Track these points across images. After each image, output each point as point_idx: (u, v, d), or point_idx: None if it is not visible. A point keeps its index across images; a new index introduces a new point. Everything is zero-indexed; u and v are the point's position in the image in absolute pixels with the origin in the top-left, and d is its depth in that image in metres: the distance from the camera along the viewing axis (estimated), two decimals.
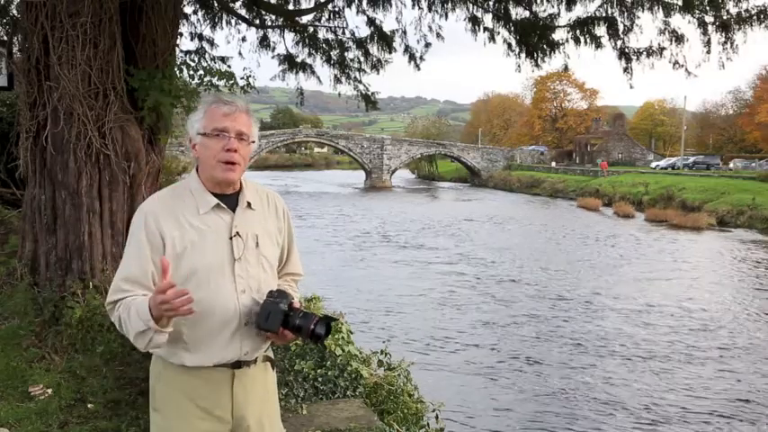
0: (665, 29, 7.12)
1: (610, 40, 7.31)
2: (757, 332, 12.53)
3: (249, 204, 1.97)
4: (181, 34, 7.25)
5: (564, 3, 7.25)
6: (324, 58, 8.74)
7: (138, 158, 5.66)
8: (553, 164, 64.33)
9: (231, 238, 1.90)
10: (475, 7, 7.80)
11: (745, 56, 7.58)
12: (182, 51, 7.88)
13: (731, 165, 50.09)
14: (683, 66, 7.26)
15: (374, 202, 42.58)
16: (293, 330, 1.89)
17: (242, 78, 7.17)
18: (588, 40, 7.35)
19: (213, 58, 8.82)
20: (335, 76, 8.84)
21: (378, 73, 8.78)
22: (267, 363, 2.06)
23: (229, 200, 1.94)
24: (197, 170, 1.96)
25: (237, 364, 1.93)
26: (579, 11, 7.30)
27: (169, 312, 1.67)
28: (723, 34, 6.87)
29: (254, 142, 1.96)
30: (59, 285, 5.32)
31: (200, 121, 1.91)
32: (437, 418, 4.49)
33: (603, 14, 7.21)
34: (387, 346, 5.14)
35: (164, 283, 1.65)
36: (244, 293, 1.90)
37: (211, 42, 8.94)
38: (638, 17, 7.11)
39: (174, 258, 1.83)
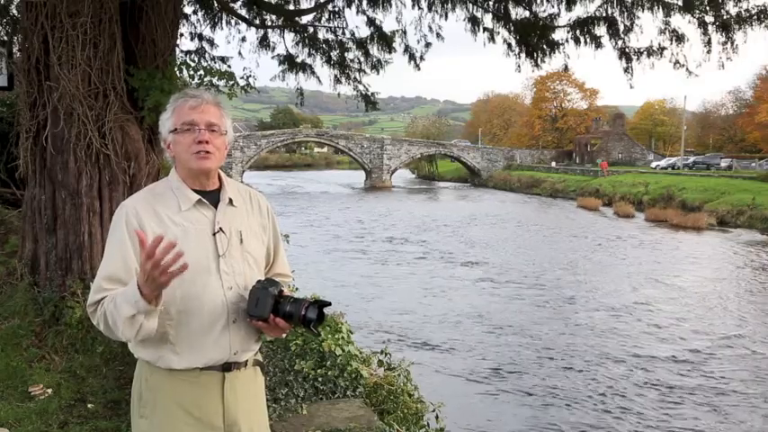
0: (666, 29, 7.14)
1: (610, 39, 7.32)
2: (760, 334, 12.53)
3: (231, 201, 1.94)
4: (181, 34, 7.26)
5: (564, 3, 7.26)
6: (324, 59, 8.75)
7: (138, 158, 5.66)
8: (553, 164, 64.33)
9: (215, 235, 1.87)
10: (475, 7, 7.81)
11: (745, 56, 7.59)
12: (182, 51, 7.90)
13: (722, 163, 50.12)
14: (683, 65, 7.28)
15: (374, 203, 42.57)
16: (285, 317, 1.83)
17: (242, 78, 7.18)
18: (588, 40, 7.36)
19: (213, 58, 8.84)
20: (335, 76, 8.85)
21: (378, 73, 8.80)
22: (257, 367, 2.02)
23: (210, 196, 1.92)
24: (176, 170, 1.94)
25: (227, 367, 1.88)
26: (579, 11, 7.32)
27: (162, 277, 1.59)
28: (723, 34, 6.88)
29: (226, 133, 1.93)
30: (59, 285, 5.32)
31: (169, 119, 1.90)
32: (437, 418, 4.49)
33: (603, 14, 7.22)
34: (387, 346, 5.14)
35: (150, 244, 1.56)
36: (231, 290, 1.86)
37: (211, 42, 8.95)
38: (639, 17, 7.13)
39: None
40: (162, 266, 1.57)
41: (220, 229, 1.89)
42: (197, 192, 1.90)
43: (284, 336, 1.95)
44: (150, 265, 1.57)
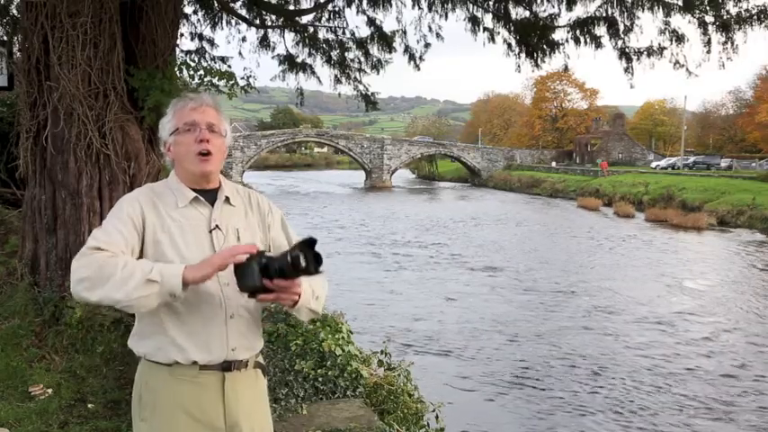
0: (666, 29, 7.15)
1: (610, 40, 7.33)
2: (760, 334, 12.51)
3: (228, 200, 1.97)
4: (181, 34, 7.26)
5: (564, 3, 7.27)
6: (324, 59, 8.76)
7: (139, 158, 5.66)
8: (553, 164, 64.35)
9: (211, 232, 1.90)
10: (475, 7, 7.81)
11: (745, 56, 7.60)
12: (182, 51, 7.91)
13: (722, 163, 50.21)
14: (683, 65, 7.29)
15: (375, 203, 42.59)
16: (280, 275, 1.73)
17: (242, 78, 7.18)
18: (588, 40, 7.37)
19: (213, 58, 8.84)
20: (336, 76, 8.86)
21: (378, 73, 8.81)
22: (258, 370, 2.02)
23: (208, 195, 1.94)
24: (175, 172, 1.97)
25: (227, 366, 1.89)
26: (579, 11, 7.33)
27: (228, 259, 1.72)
28: (723, 34, 6.89)
29: (225, 136, 1.96)
30: (59, 285, 5.31)
31: (170, 121, 1.93)
32: (437, 418, 4.49)
33: (603, 14, 7.23)
34: (387, 346, 5.13)
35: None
36: (227, 286, 1.87)
37: (211, 42, 8.96)
38: (639, 17, 7.14)
39: (153, 245, 1.83)
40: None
41: (216, 226, 1.91)
42: (195, 191, 1.93)
43: (294, 302, 1.85)
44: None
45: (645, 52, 7.33)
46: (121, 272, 1.66)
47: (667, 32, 7.16)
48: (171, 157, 1.95)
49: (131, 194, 1.93)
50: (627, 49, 7.35)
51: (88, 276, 1.67)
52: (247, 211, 2.02)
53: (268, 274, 1.74)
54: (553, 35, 7.55)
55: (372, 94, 9.07)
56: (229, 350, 1.88)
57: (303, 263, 1.72)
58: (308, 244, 1.73)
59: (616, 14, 7.17)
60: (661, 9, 6.95)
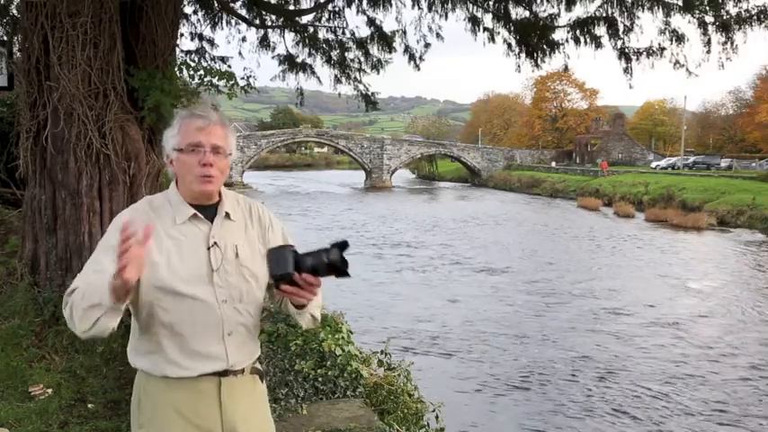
0: (666, 29, 7.15)
1: (610, 40, 7.34)
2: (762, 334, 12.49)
3: (228, 215, 1.94)
4: (181, 34, 7.27)
5: (564, 3, 7.27)
6: (324, 59, 8.76)
7: (139, 158, 5.66)
8: (553, 164, 64.36)
9: (209, 249, 1.88)
10: (475, 7, 7.82)
11: (745, 56, 7.61)
12: (182, 51, 7.92)
13: (722, 163, 50.27)
14: (683, 66, 7.30)
15: (375, 203, 42.58)
16: (311, 272, 1.74)
17: (242, 78, 7.18)
18: (588, 40, 7.38)
19: (213, 58, 8.85)
20: (336, 76, 8.87)
21: (378, 73, 8.82)
22: (256, 375, 2.01)
23: (207, 211, 1.92)
24: (176, 183, 1.95)
25: (224, 373, 1.89)
26: (579, 11, 7.34)
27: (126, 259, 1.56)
28: (723, 34, 6.90)
29: (230, 155, 1.93)
30: (59, 285, 5.31)
31: (174, 137, 1.90)
32: (437, 418, 4.49)
33: (603, 14, 7.24)
34: (387, 346, 5.13)
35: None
36: (225, 303, 1.87)
37: (211, 42, 8.96)
38: (639, 17, 7.15)
39: (149, 267, 1.79)
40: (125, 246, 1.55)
41: (215, 243, 1.89)
42: (194, 206, 1.92)
43: (308, 301, 1.83)
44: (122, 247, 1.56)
45: (645, 52, 7.33)
46: (75, 308, 1.69)
47: (667, 32, 7.16)
48: (173, 170, 1.93)
49: (127, 215, 1.89)
50: (627, 49, 7.35)
51: (68, 321, 1.75)
52: (247, 225, 2.00)
53: (298, 268, 1.75)
54: (553, 35, 7.56)
55: (372, 93, 9.07)
56: (229, 366, 1.89)
57: (340, 264, 1.74)
58: (341, 246, 1.75)
59: (616, 14, 7.18)
60: (661, 9, 6.96)
